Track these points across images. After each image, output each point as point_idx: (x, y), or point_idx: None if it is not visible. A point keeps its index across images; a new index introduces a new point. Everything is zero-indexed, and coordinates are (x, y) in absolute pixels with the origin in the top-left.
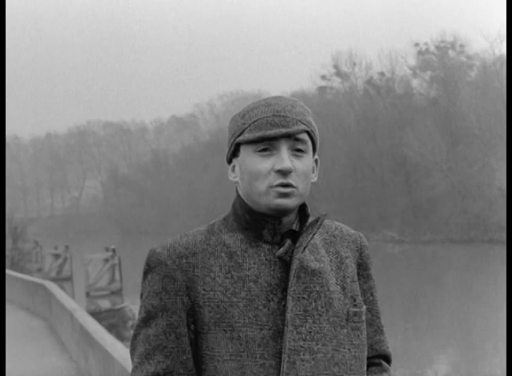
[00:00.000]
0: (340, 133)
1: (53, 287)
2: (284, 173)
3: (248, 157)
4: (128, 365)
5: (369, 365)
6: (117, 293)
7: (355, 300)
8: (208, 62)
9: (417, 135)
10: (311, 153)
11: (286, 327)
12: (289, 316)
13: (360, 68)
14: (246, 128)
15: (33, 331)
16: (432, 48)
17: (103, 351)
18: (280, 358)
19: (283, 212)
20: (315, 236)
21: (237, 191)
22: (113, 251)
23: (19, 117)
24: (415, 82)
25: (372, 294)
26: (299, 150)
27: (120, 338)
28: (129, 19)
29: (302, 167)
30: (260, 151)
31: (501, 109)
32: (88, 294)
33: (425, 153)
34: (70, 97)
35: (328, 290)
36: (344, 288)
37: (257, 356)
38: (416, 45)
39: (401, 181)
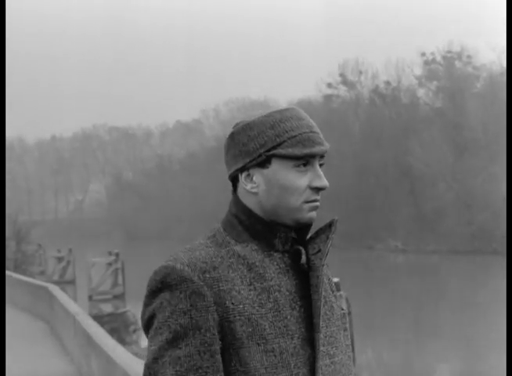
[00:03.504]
0: (345, 142)
1: (56, 290)
2: (320, 190)
3: (283, 171)
4: (130, 369)
5: None
6: (120, 297)
7: (336, 301)
8: (214, 68)
9: (423, 144)
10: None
11: (316, 334)
12: (319, 322)
13: (366, 77)
14: (285, 142)
15: (35, 334)
16: (439, 58)
17: (105, 355)
18: (310, 365)
19: (310, 225)
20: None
21: (240, 200)
22: (117, 255)
23: (25, 120)
24: (421, 92)
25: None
26: (321, 165)
27: (122, 342)
28: (136, 24)
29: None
30: (298, 166)
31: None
32: (90, 298)
33: (430, 163)
34: (75, 101)
35: (329, 294)
36: (333, 291)
37: (292, 365)
38: (423, 54)
39: (406, 190)
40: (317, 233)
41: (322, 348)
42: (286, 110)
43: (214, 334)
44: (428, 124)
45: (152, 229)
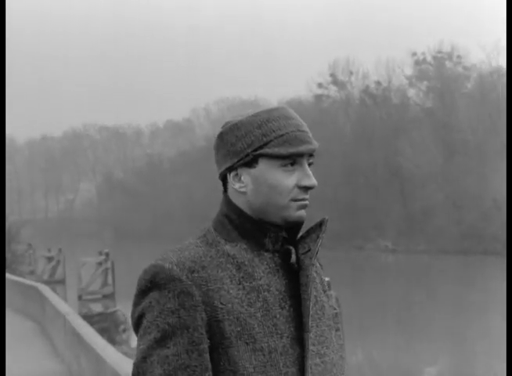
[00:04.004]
0: (335, 142)
1: (46, 290)
2: (308, 189)
3: (271, 171)
4: (120, 368)
5: None
6: (110, 297)
7: (329, 301)
8: (205, 67)
9: (413, 145)
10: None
11: (305, 333)
12: (308, 321)
13: (357, 77)
14: (271, 141)
15: (25, 334)
16: (429, 59)
17: (95, 354)
18: (299, 365)
19: (300, 223)
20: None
21: (230, 200)
22: (107, 254)
23: (15, 119)
24: (411, 92)
25: None
26: (310, 166)
27: (112, 341)
28: (127, 24)
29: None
30: (285, 166)
31: (497, 120)
32: (80, 298)
33: (420, 164)
34: (66, 100)
35: (320, 294)
36: (325, 291)
37: (281, 365)
38: (414, 54)
39: (395, 191)
40: (308, 233)
41: (311, 347)
42: (275, 109)
43: (202, 334)
44: (418, 124)
45: (142, 229)
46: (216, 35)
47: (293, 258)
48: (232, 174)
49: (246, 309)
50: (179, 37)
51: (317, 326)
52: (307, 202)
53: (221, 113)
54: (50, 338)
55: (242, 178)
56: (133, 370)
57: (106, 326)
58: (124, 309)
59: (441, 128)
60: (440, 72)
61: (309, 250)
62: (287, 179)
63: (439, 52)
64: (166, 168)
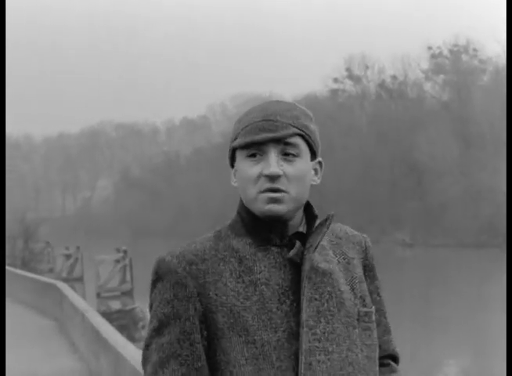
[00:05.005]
0: (351, 136)
1: (65, 288)
2: (272, 178)
3: (241, 162)
4: (140, 366)
5: (379, 365)
6: (128, 294)
7: (364, 300)
8: (221, 63)
9: (429, 138)
10: (306, 156)
11: (301, 329)
12: (304, 317)
13: (373, 71)
14: (240, 133)
15: (44, 331)
16: (445, 52)
17: (115, 352)
18: (296, 360)
19: (276, 218)
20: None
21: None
22: (125, 252)
23: (32, 117)
24: (427, 86)
25: (378, 295)
26: (290, 155)
27: (131, 339)
28: (143, 21)
29: (293, 171)
30: (250, 156)
31: None
32: (98, 295)
33: (437, 157)
34: (82, 97)
35: (339, 290)
36: (353, 289)
37: (274, 358)
38: (430, 48)
39: (412, 184)
40: (316, 228)
41: (316, 343)
42: (265, 102)
43: (193, 324)
44: (435, 118)
45: (159, 226)
46: (232, 32)
47: (293, 252)
48: (233, 170)
49: (241, 302)
50: (195, 34)
51: (327, 322)
52: (276, 195)
53: (237, 109)
54: (69, 336)
55: (236, 173)
56: (141, 357)
57: (125, 323)
58: (143, 305)
59: (457, 121)
60: (456, 65)
61: (311, 245)
62: (251, 169)
63: (455, 45)
64: (182, 165)
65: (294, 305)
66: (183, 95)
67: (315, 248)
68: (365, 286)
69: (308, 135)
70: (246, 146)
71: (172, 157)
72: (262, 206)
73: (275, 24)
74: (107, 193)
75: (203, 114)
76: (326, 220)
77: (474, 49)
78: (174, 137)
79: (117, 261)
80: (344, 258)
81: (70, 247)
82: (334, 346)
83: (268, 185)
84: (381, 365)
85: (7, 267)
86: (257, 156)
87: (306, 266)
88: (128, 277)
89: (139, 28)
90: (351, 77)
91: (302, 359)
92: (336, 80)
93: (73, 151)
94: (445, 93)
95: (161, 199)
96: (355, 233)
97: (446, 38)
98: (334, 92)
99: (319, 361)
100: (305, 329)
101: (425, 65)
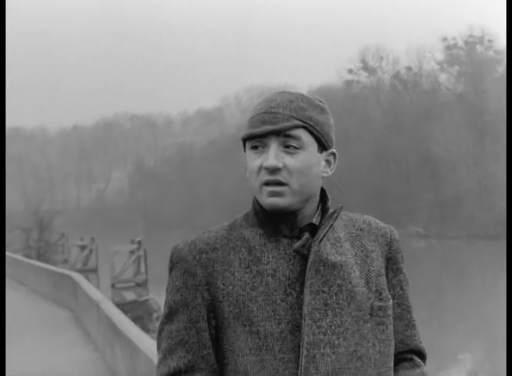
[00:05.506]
0: (366, 127)
1: (79, 278)
2: (272, 170)
3: (247, 154)
4: (154, 356)
5: (400, 360)
6: (143, 285)
7: (380, 294)
8: (235, 55)
9: (444, 130)
10: (310, 148)
11: (303, 321)
12: (306, 309)
13: (387, 62)
14: (247, 124)
15: (59, 322)
16: (460, 43)
17: (129, 342)
18: (299, 352)
19: (279, 211)
20: (338, 229)
21: None
22: (139, 243)
23: (47, 109)
24: (442, 77)
25: (402, 288)
26: (292, 147)
27: (146, 329)
28: (157, 12)
29: (295, 164)
30: (253, 148)
31: None
32: (113, 286)
33: (451, 149)
34: (97, 89)
35: (350, 283)
36: (368, 282)
37: (276, 350)
38: (444, 39)
39: (427, 176)
40: (324, 220)
41: (314, 336)
42: (273, 94)
43: (200, 312)
44: (449, 109)
45: (173, 217)
46: (246, 23)
47: (298, 244)
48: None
49: (247, 292)
50: (209, 26)
51: (334, 315)
52: (276, 189)
53: (252, 101)
54: (83, 326)
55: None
56: (156, 342)
57: (140, 314)
58: (157, 296)
59: (472, 112)
60: (471, 57)
61: (318, 237)
62: (254, 161)
63: (470, 36)
64: (196, 157)
65: (301, 297)
66: (198, 86)
67: (320, 241)
68: (383, 279)
69: (311, 126)
70: (249, 138)
71: (186, 149)
72: (264, 199)
73: (290, 16)
74: (122, 185)
75: (218, 106)
76: (333, 213)
77: (489, 40)
78: (189, 129)
79: (132, 252)
80: (362, 251)
81: (85, 239)
82: (341, 340)
83: (268, 177)
84: (404, 360)
85: (22, 258)
86: (260, 148)
87: (310, 258)
88: (143, 268)
89: (154, 22)
90: (365, 68)
91: (304, 351)
92: (350, 71)
93: (88, 143)
94: (459, 84)
95: (175, 190)
96: (381, 225)
97: (461, 29)
98: (349, 83)
99: (323, 354)
100: (309, 321)
101: (440, 56)
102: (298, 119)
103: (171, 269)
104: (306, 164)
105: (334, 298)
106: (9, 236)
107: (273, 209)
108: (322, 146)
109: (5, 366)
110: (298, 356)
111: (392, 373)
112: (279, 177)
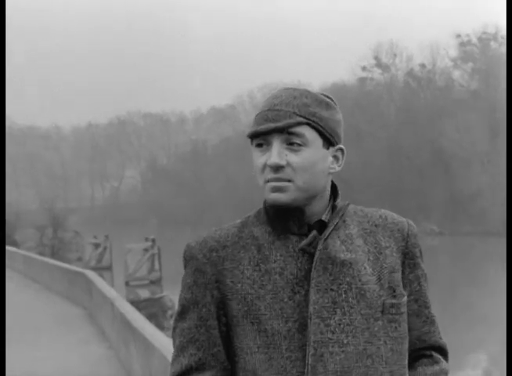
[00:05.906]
0: (379, 124)
1: (94, 276)
2: (275, 168)
3: (253, 152)
4: (168, 354)
5: (419, 357)
6: (157, 282)
7: (394, 291)
8: (248, 53)
9: (457, 127)
10: (315, 145)
11: (309, 320)
12: (312, 308)
13: (401, 59)
14: (252, 123)
15: (73, 320)
16: (474, 40)
17: (144, 340)
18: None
19: (282, 206)
20: (350, 226)
21: None
22: (153, 241)
23: (61, 108)
24: (456, 74)
25: (419, 284)
26: (295, 144)
27: (160, 327)
28: (169, 10)
29: (299, 161)
30: (257, 146)
31: None
32: (127, 284)
33: (465, 145)
34: (110, 88)
35: (360, 281)
36: (380, 279)
37: (284, 348)
38: (458, 36)
39: (440, 173)
40: (331, 218)
41: (321, 335)
42: (279, 90)
43: (209, 310)
44: (463, 106)
45: (187, 215)
46: (259, 22)
47: (305, 242)
48: None
49: (255, 291)
50: (223, 25)
51: (343, 314)
52: (279, 184)
53: (265, 99)
54: (98, 324)
55: None
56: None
57: (154, 311)
58: (171, 294)
59: (486, 109)
60: (485, 53)
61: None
62: (259, 159)
63: (484, 33)
64: (209, 154)
65: (309, 295)
66: (211, 84)
67: (327, 238)
68: (398, 276)
69: (315, 122)
70: (254, 136)
71: (199, 147)
72: (267, 195)
73: (303, 14)
74: (135, 183)
75: (231, 104)
76: (339, 211)
77: (503, 37)
78: (202, 126)
79: (146, 250)
80: (375, 248)
81: (99, 236)
82: (350, 338)
83: (272, 175)
84: (423, 356)
85: (36, 256)
86: (264, 146)
87: (316, 256)
88: (157, 266)
89: (168, 20)
90: (379, 65)
91: (310, 350)
92: (364, 68)
93: (102, 141)
94: (473, 81)
95: (188, 188)
96: (398, 219)
97: (475, 26)
98: (362, 80)
99: (331, 353)
100: (316, 320)
101: (454, 53)
102: (301, 116)
103: (184, 267)
104: (310, 161)
105: (343, 296)
106: (23, 234)
107: (276, 204)
108: (328, 141)
109: (5, 367)
110: (305, 355)
111: (406, 370)
112: (283, 174)
